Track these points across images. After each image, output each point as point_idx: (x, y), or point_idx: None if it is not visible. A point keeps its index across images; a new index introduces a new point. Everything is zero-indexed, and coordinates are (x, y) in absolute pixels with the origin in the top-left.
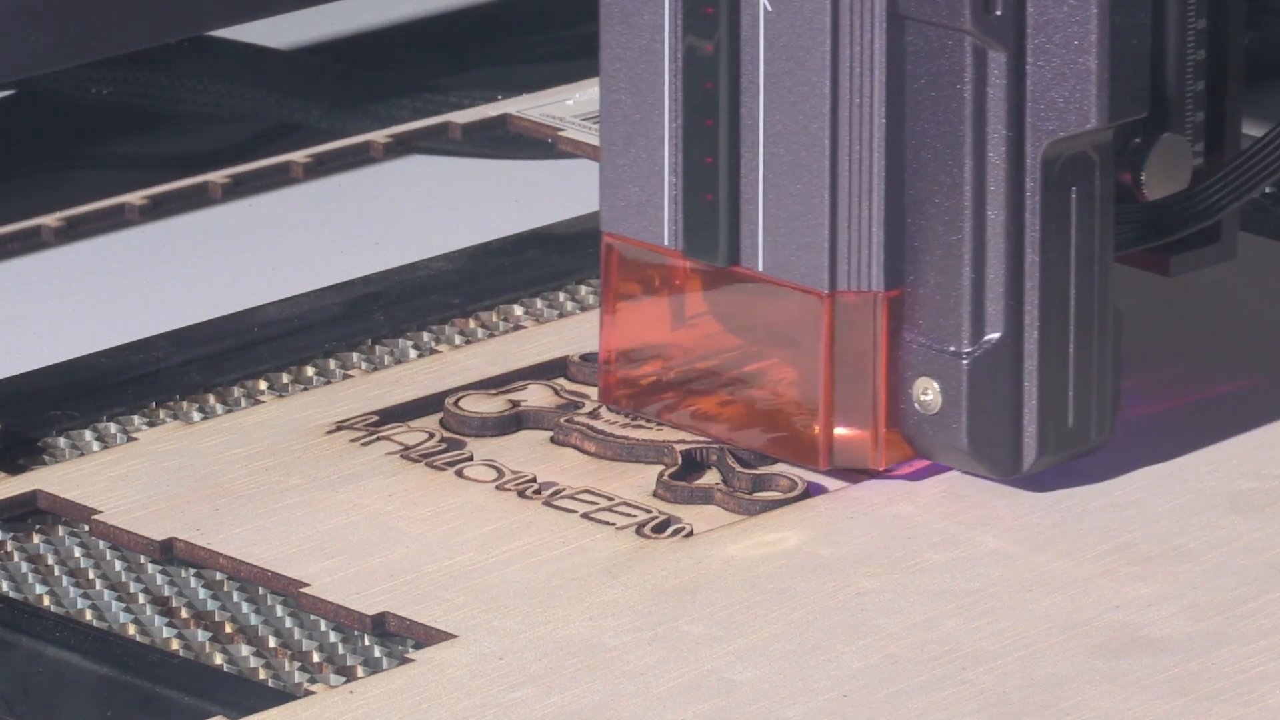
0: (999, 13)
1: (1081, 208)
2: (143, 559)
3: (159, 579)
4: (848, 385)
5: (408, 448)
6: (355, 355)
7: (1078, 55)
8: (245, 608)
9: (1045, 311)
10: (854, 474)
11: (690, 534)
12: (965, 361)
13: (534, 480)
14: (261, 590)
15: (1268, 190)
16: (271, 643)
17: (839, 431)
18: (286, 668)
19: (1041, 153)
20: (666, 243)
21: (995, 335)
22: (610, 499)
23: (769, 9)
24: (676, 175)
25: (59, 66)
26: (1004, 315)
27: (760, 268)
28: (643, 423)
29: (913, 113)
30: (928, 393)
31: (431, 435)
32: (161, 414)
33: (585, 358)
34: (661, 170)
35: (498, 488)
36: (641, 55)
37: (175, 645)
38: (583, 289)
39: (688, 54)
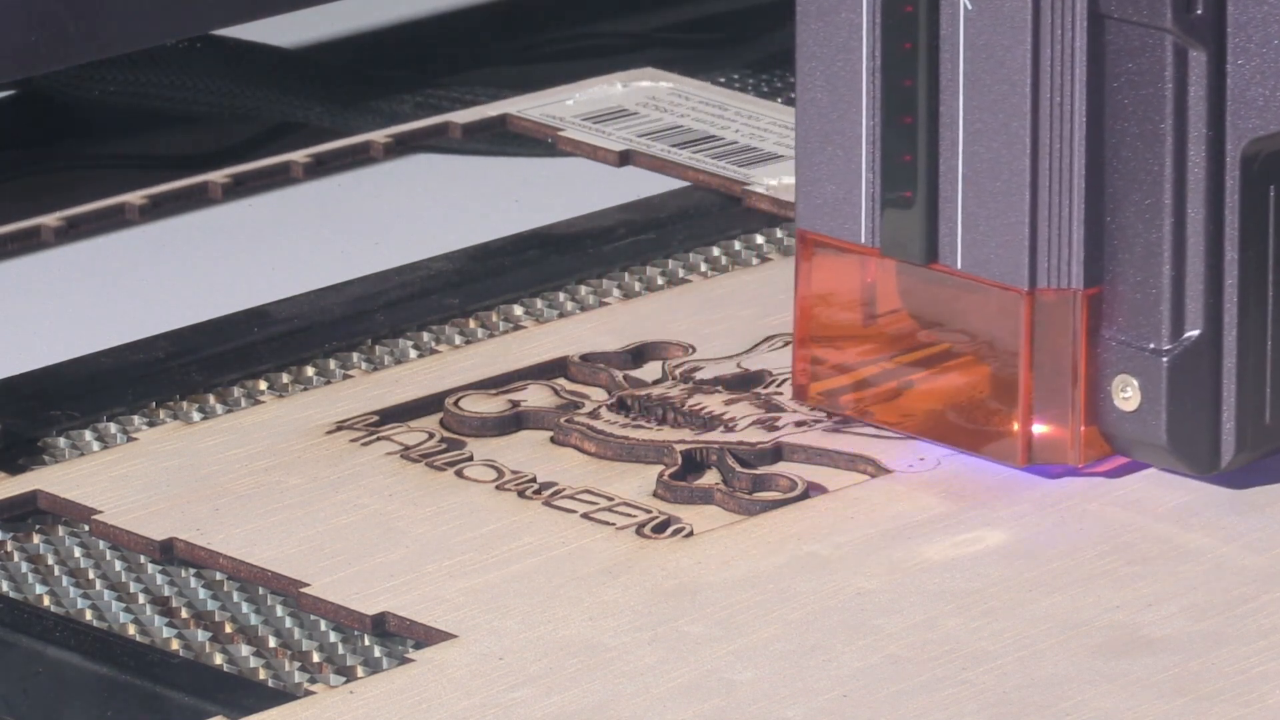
0: (1199, 11)
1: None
2: (143, 559)
3: (159, 579)
4: (1046, 382)
5: (408, 448)
6: (355, 355)
7: (1278, 54)
8: (245, 608)
9: (1244, 308)
10: (1053, 471)
11: (690, 534)
12: (1165, 359)
13: (534, 480)
14: (261, 590)
15: None
16: (271, 643)
17: (1037, 429)
18: (286, 668)
19: (1241, 150)
20: (864, 240)
21: (1194, 333)
22: (610, 499)
23: (969, 7)
24: (874, 173)
25: (59, 66)
26: (1203, 312)
27: (959, 265)
28: (643, 423)
29: (1112, 111)
30: (1127, 390)
31: (431, 435)
32: (161, 414)
33: (585, 358)
34: (859, 168)
35: (498, 488)
36: (839, 53)
37: (175, 645)
38: (583, 289)
39: (886, 52)
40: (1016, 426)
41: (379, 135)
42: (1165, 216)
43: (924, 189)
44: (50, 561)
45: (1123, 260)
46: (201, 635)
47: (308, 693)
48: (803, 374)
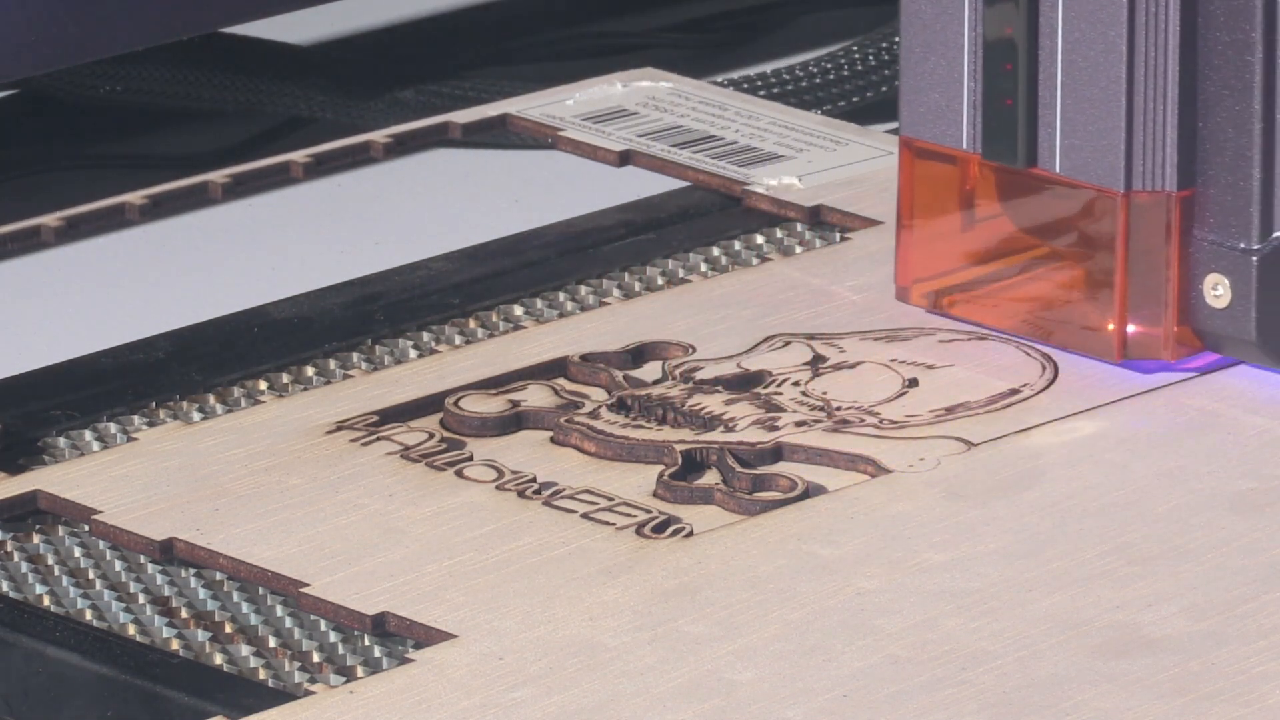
0: None
1: None
2: (143, 559)
3: (159, 579)
4: (1141, 282)
5: (408, 448)
6: (355, 355)
7: None
8: (245, 608)
9: None
10: (1147, 366)
11: (690, 534)
12: (1255, 258)
13: (534, 480)
14: (261, 590)
15: None
16: (271, 643)
17: (1132, 327)
18: (286, 668)
19: None
20: (965, 146)
21: None
22: (610, 499)
23: None
24: (976, 81)
25: (59, 66)
26: None
27: (1057, 169)
28: (642, 423)
29: (1205, 19)
30: (1218, 288)
31: (431, 435)
32: (161, 414)
33: (585, 358)
34: (961, 77)
35: (498, 488)
36: None
37: (175, 645)
38: (583, 289)
39: None
40: (1112, 325)
41: (379, 135)
42: (1255, 122)
43: (1024, 96)
44: (50, 561)
45: (1214, 163)
46: (201, 635)
47: (308, 693)
48: (905, 276)
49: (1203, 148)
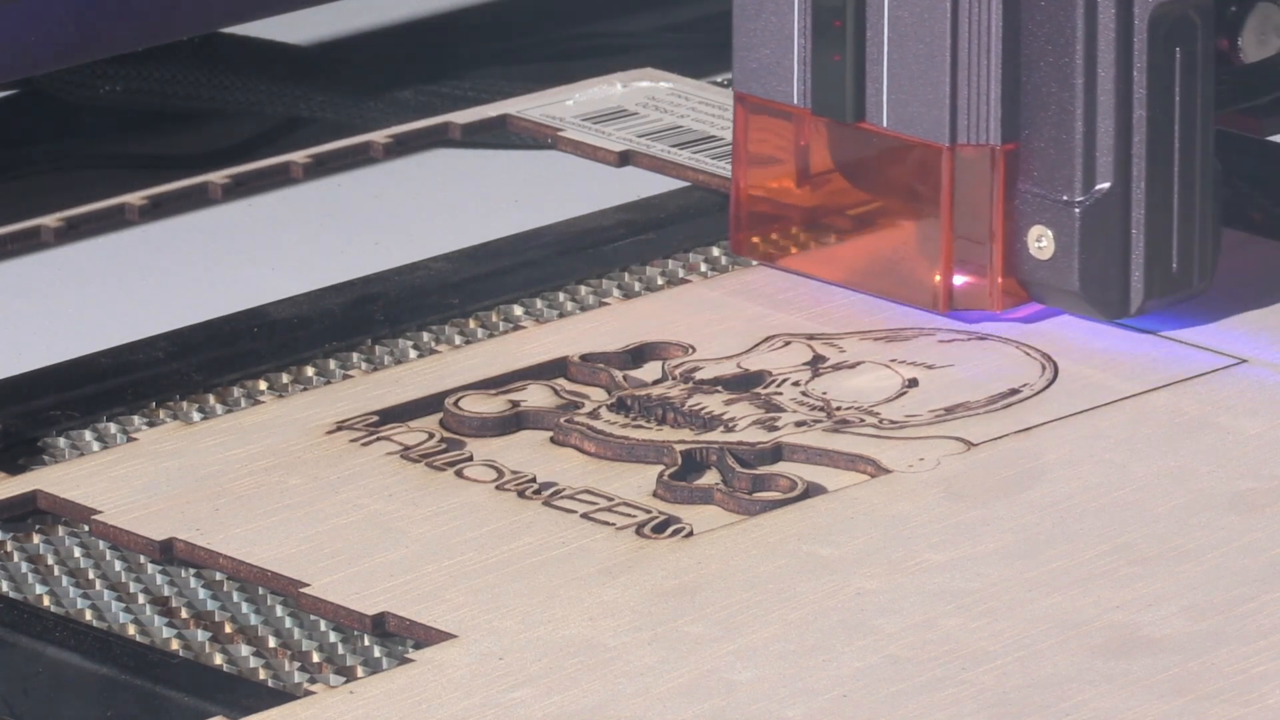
0: None
1: (1185, 67)
2: (143, 559)
3: (159, 579)
4: (966, 234)
5: (408, 448)
6: (355, 355)
7: None
8: (245, 608)
9: (1151, 164)
10: (971, 316)
11: (690, 534)
12: (1077, 210)
13: (534, 480)
14: (261, 590)
15: None
16: (271, 643)
17: (958, 279)
18: (286, 668)
19: (1149, 15)
20: (796, 101)
21: (1105, 185)
22: (610, 499)
23: None
24: (806, 37)
25: (59, 66)
26: (1113, 167)
27: (884, 123)
28: (642, 423)
29: None
30: (1042, 240)
31: (431, 435)
32: (161, 414)
33: (585, 358)
34: (791, 33)
35: (498, 488)
36: None
37: (175, 645)
38: (582, 289)
39: None
40: (938, 277)
41: (379, 135)
42: (1077, 76)
43: (851, 51)
44: (50, 561)
45: (1038, 118)
46: (201, 635)
47: (308, 693)
48: (739, 229)
49: (1027, 102)
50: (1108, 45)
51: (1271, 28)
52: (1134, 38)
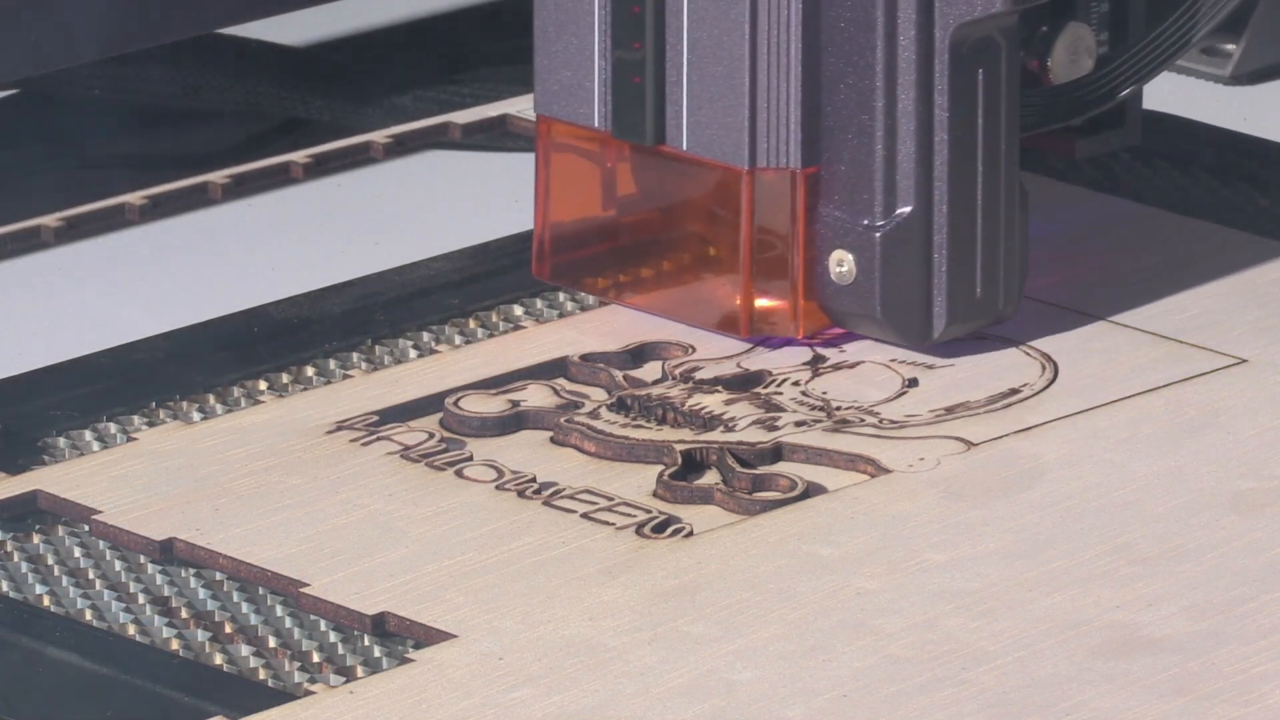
0: None
1: (988, 90)
2: (143, 559)
3: (159, 579)
4: (767, 258)
5: (408, 448)
6: (355, 355)
7: None
8: (245, 608)
9: (954, 188)
10: (773, 341)
11: (690, 534)
12: (878, 234)
13: (534, 480)
14: (261, 590)
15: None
16: (271, 643)
17: (760, 303)
18: (286, 668)
19: (950, 36)
20: (597, 124)
21: (906, 210)
22: (610, 499)
23: None
24: (606, 60)
25: (61, 66)
26: (914, 191)
27: (685, 146)
28: (642, 423)
29: None
30: (843, 264)
31: (431, 435)
32: (161, 414)
33: (585, 358)
34: (592, 55)
35: (498, 488)
36: None
37: (175, 645)
38: None
39: None
40: (739, 301)
41: (379, 135)
42: (877, 99)
43: (651, 74)
44: (50, 561)
45: (838, 141)
46: (201, 635)
47: (308, 693)
48: (542, 255)
49: (828, 125)
50: (908, 67)
51: (1083, 48)
52: (935, 59)
